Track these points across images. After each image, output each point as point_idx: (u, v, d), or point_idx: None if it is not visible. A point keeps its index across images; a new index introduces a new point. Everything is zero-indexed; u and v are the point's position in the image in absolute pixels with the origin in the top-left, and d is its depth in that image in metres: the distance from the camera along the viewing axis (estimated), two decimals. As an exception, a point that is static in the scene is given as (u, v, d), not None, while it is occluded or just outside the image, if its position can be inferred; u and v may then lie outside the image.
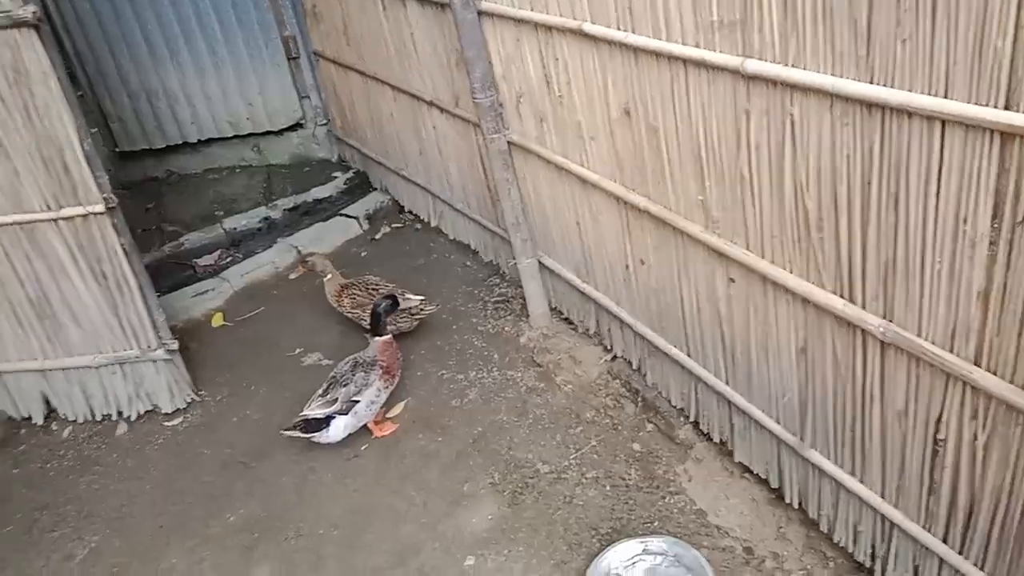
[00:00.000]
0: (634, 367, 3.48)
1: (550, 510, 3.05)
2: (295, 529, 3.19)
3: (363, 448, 3.51)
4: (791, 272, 2.31)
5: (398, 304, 3.76)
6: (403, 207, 5.35)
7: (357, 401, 3.43)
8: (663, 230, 2.83)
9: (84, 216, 3.41)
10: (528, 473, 3.23)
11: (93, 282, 3.56)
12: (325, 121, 6.01)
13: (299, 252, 4.88)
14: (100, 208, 3.40)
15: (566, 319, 3.91)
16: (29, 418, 3.87)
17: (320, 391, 3.49)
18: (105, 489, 3.51)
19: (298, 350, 4.20)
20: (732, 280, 2.58)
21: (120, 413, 3.85)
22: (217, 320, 4.49)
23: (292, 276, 4.51)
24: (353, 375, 3.48)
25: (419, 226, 5.18)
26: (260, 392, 3.95)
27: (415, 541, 3.05)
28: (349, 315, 4.09)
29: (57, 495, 3.51)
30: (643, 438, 3.27)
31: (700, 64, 2.28)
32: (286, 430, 3.42)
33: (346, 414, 3.41)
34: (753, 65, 2.08)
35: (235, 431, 3.73)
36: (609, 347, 3.62)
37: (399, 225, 5.25)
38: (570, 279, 3.66)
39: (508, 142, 3.56)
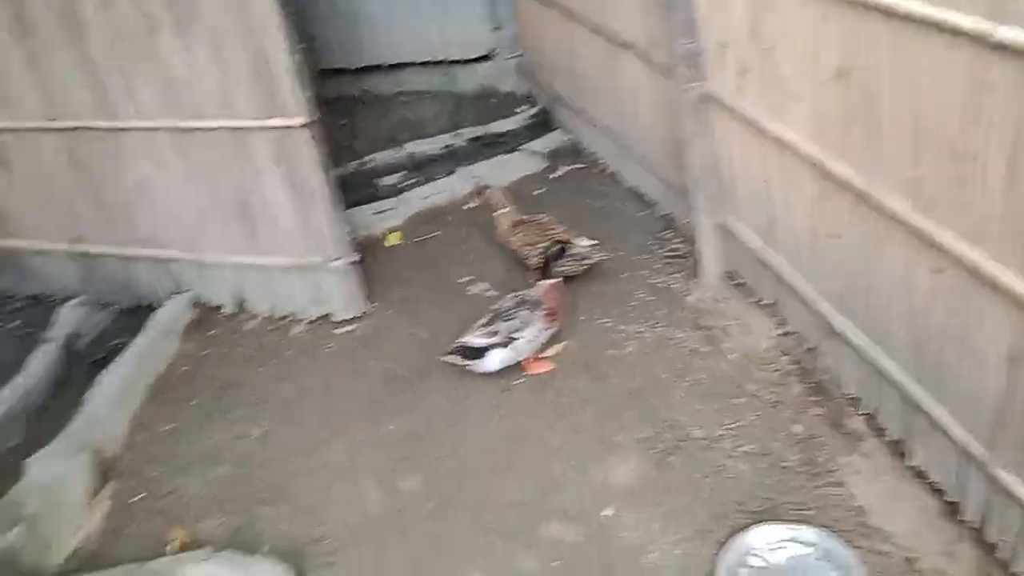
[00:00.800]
0: (808, 346, 3.29)
1: (698, 476, 2.99)
2: (446, 449, 3.31)
3: (517, 382, 3.56)
4: (1013, 270, 2.07)
5: (565, 252, 3.79)
6: (584, 149, 5.29)
7: (517, 337, 3.48)
8: (864, 205, 2.61)
9: (287, 127, 3.60)
10: (680, 435, 3.17)
11: (288, 190, 3.77)
12: (516, 54, 6.00)
13: (478, 183, 4.95)
14: (302, 121, 3.57)
15: (740, 284, 3.75)
16: (221, 307, 4.21)
17: (483, 321, 3.56)
18: (279, 381, 3.79)
19: (466, 278, 4.30)
20: (938, 270, 2.35)
21: (300, 314, 4.11)
22: (393, 239, 4.67)
23: (468, 206, 4.52)
24: (517, 311, 3.53)
25: (598, 170, 5.11)
26: (427, 313, 4.09)
27: (558, 480, 3.09)
28: (517, 251, 4.12)
29: (238, 379, 3.83)
30: (807, 421, 3.11)
31: (938, 26, 2.04)
32: (444, 355, 3.52)
33: (505, 347, 3.47)
34: (1007, 32, 1.84)
35: (400, 346, 3.90)
36: (783, 320, 3.45)
37: (578, 166, 5.21)
38: (750, 243, 3.49)
39: (703, 93, 3.40)
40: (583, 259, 4.00)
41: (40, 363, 3.90)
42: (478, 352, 3.49)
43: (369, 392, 3.66)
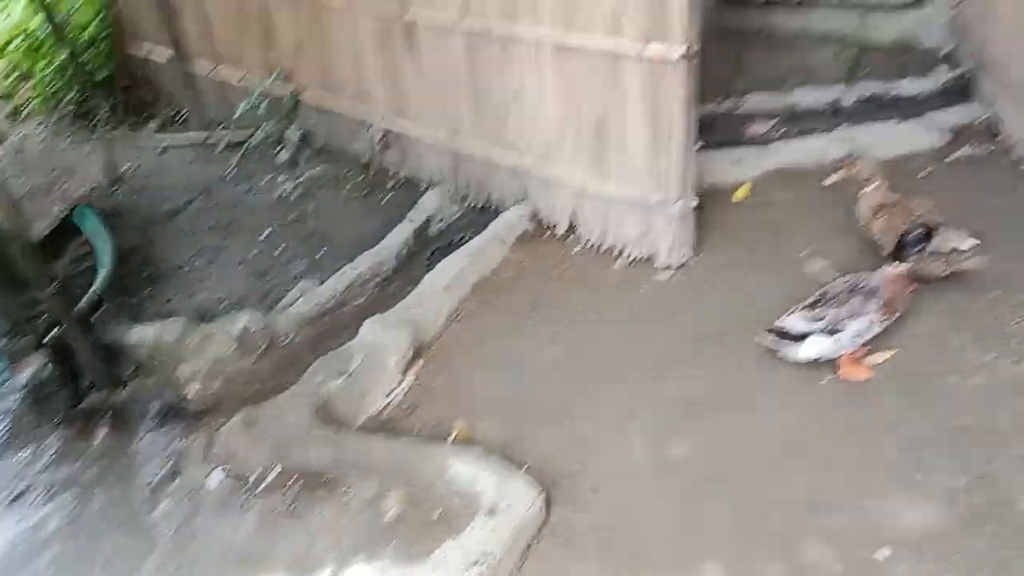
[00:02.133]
0: None
1: (1009, 554, 2.47)
2: (724, 425, 3.13)
3: (824, 381, 3.20)
4: None
5: (931, 237, 3.21)
6: (1000, 131, 4.40)
7: (843, 328, 3.11)
8: None
9: (663, 56, 3.48)
10: (1002, 499, 2.63)
11: (647, 120, 3.69)
12: (956, 2, 5.08)
13: (851, 153, 4.39)
14: (682, 52, 3.42)
15: None
16: (556, 224, 4.35)
17: (808, 302, 3.23)
18: (588, 310, 3.83)
19: (805, 251, 3.91)
20: None
21: (622, 249, 4.09)
22: (741, 192, 4.39)
23: (829, 181, 3.85)
24: (849, 297, 3.14)
25: (1010, 160, 4.24)
26: (749, 279, 3.82)
27: (833, 498, 2.78)
28: (876, 237, 3.61)
29: (551, 298, 3.95)
30: None
31: None
32: (759, 336, 3.27)
33: (828, 336, 3.11)
34: None
35: (713, 308, 3.71)
36: None
37: (984, 152, 4.36)
38: None
39: None
40: (953, 258, 3.38)
41: (397, 238, 4.42)
42: (795, 336, 3.18)
43: (668, 345, 3.57)
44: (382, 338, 3.61)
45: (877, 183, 3.65)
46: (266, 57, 5.48)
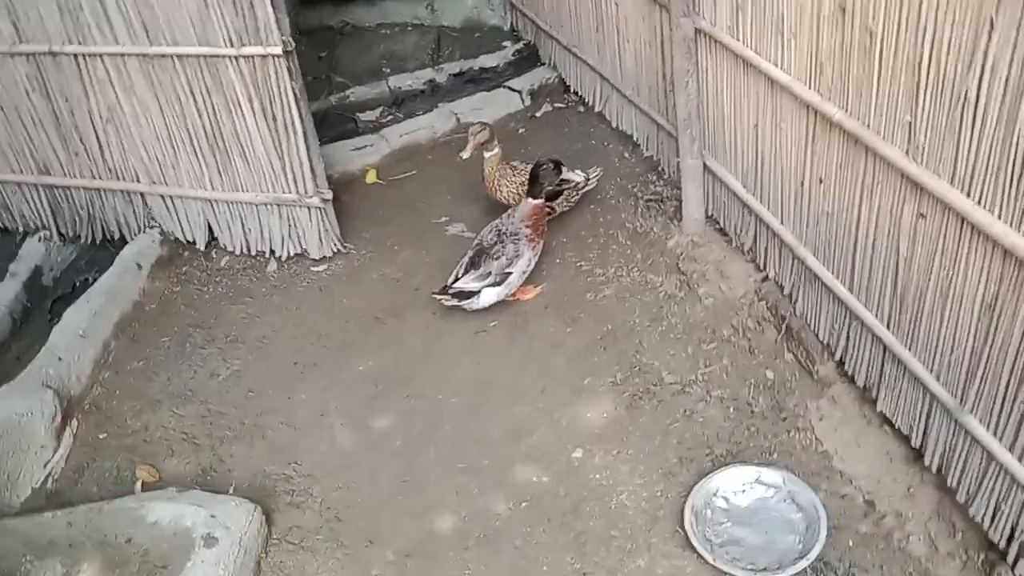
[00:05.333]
0: (785, 292, 3.25)
1: (667, 420, 2.98)
2: (417, 389, 3.28)
3: (492, 325, 3.52)
4: (998, 217, 2.02)
5: (560, 170, 3.67)
6: (568, 86, 5.14)
7: (510, 273, 3.46)
8: (853, 149, 2.54)
9: (263, 56, 3.46)
10: (651, 379, 3.14)
11: (263, 122, 3.65)
12: (501, -15, 5.79)
13: (467, 126, 4.70)
14: (278, 51, 3.43)
15: (720, 229, 3.69)
16: (193, 242, 4.10)
17: (467, 259, 3.52)
18: (251, 319, 3.73)
19: (444, 218, 4.21)
20: (923, 216, 2.30)
21: (272, 252, 4.02)
22: (371, 177, 4.55)
23: (466, 155, 3.86)
24: (504, 247, 3.49)
25: (582, 108, 4.98)
26: (402, 253, 4.01)
27: (529, 422, 3.07)
28: (504, 198, 3.97)
29: (209, 317, 3.76)
30: (779, 367, 3.09)
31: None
32: (437, 294, 3.47)
33: (499, 285, 3.45)
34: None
35: (374, 286, 3.83)
36: (762, 266, 3.40)
37: (561, 105, 5.07)
38: (734, 187, 3.42)
39: (696, 28, 3.27)
40: (579, 190, 3.97)
41: (1, 298, 3.81)
42: (472, 292, 3.45)
43: (342, 331, 3.61)
44: (20, 407, 3.11)
45: (495, 148, 3.95)
46: None
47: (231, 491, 2.93)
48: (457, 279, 3.49)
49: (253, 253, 4.05)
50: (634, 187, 4.19)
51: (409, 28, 6.00)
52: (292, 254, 4.01)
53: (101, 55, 3.66)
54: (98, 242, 4.22)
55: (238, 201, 3.92)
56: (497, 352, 3.40)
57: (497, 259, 3.47)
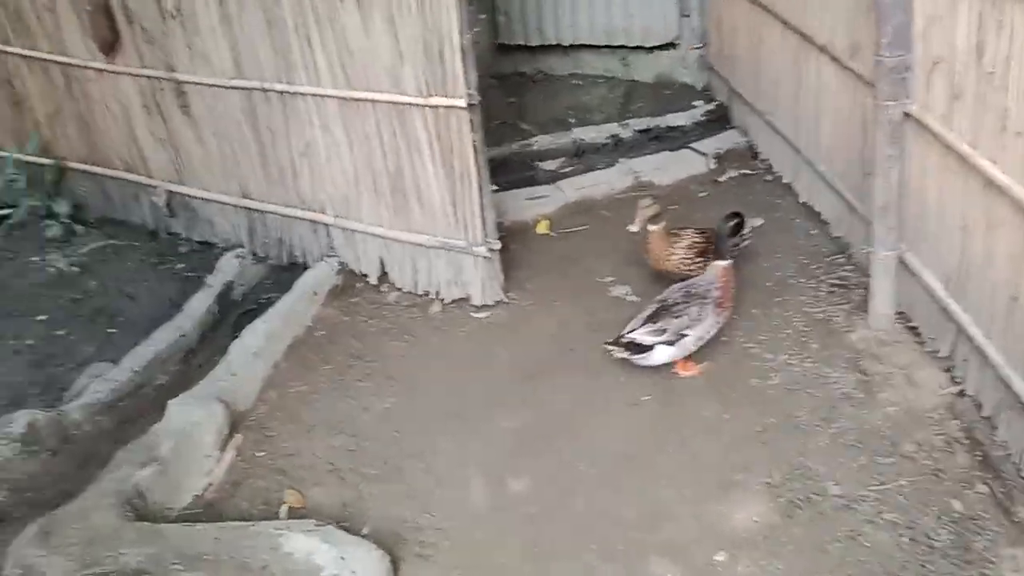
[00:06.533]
0: (984, 413, 2.88)
1: (826, 537, 2.70)
2: (558, 454, 3.19)
3: (644, 398, 3.38)
4: None
5: (743, 224, 3.55)
6: (757, 153, 4.93)
7: (686, 335, 3.33)
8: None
9: (448, 107, 3.57)
10: (813, 487, 2.87)
11: (442, 170, 3.75)
12: (700, 45, 5.68)
13: (645, 185, 4.67)
14: (463, 103, 3.52)
15: (912, 329, 3.35)
16: (366, 276, 4.27)
17: (648, 312, 3.42)
18: (409, 358, 3.79)
19: (609, 278, 4.12)
20: None
21: (437, 293, 4.10)
22: (542, 228, 4.55)
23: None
24: (687, 307, 3.36)
25: (770, 178, 4.75)
26: (562, 309, 3.96)
27: (670, 510, 2.90)
28: (672, 268, 3.78)
29: (371, 350, 3.86)
30: (969, 499, 2.72)
31: None
32: (609, 344, 3.40)
33: (671, 345, 3.33)
34: None
35: (530, 340, 3.80)
36: (959, 379, 3.03)
37: (748, 172, 4.86)
38: (933, 287, 3.09)
39: (904, 113, 3.01)
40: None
41: (197, 307, 4.12)
42: (644, 347, 3.35)
43: (494, 382, 3.60)
44: (194, 416, 3.33)
45: (659, 223, 3.77)
46: (18, 127, 4.96)
47: (365, 531, 2.97)
48: (632, 330, 3.39)
49: (419, 293, 4.14)
50: (818, 269, 3.91)
51: (600, 80, 6.01)
52: (456, 298, 4.06)
53: (304, 94, 3.91)
54: (285, 264, 4.49)
55: (410, 242, 4.03)
56: (646, 428, 3.25)
57: (677, 317, 3.34)
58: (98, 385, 3.64)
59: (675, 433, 3.20)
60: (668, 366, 3.43)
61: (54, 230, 4.78)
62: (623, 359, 3.40)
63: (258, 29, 3.87)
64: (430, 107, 3.62)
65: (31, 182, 4.88)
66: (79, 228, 4.85)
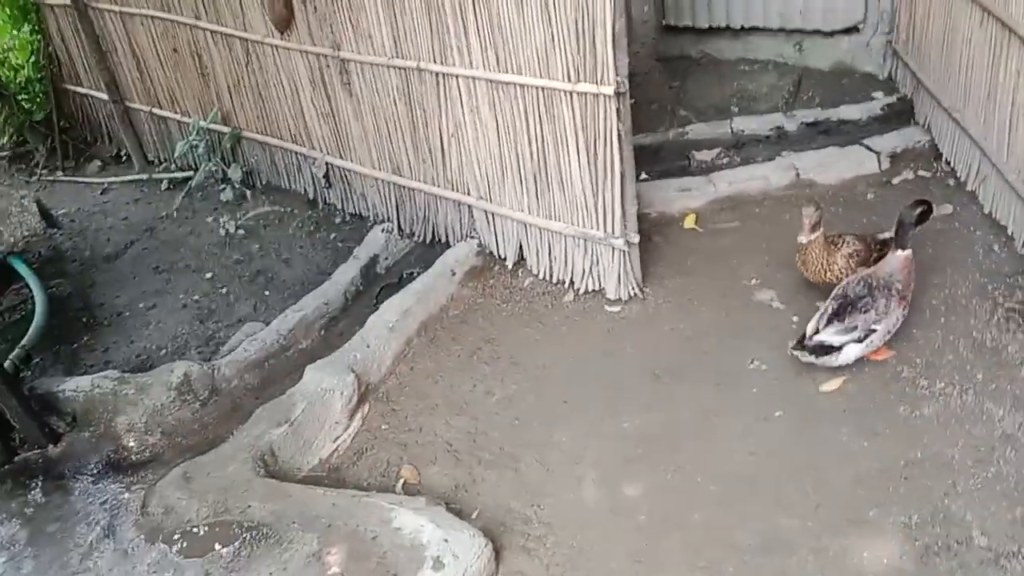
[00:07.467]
0: None
1: (966, 594, 2.44)
2: (678, 463, 3.08)
3: (776, 414, 3.18)
4: None
5: (931, 211, 3.28)
6: (940, 154, 4.46)
7: (875, 330, 3.17)
8: None
9: (595, 95, 3.49)
10: (957, 535, 2.60)
11: (585, 158, 3.67)
12: (888, 30, 5.19)
13: (806, 184, 4.36)
14: (610, 91, 3.43)
15: (1100, 369, 2.93)
16: (504, 259, 4.28)
17: (829, 311, 3.24)
18: (537, 345, 3.78)
19: (754, 280, 3.89)
20: None
21: (572, 283, 4.04)
22: (689, 222, 4.36)
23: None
24: (874, 301, 3.19)
25: (951, 182, 4.29)
26: (700, 310, 3.79)
27: (791, 540, 2.72)
28: (833, 279, 3.49)
29: (501, 333, 3.88)
30: None
31: None
32: (794, 348, 3.26)
33: (862, 342, 3.18)
34: None
35: (662, 340, 3.67)
36: None
37: (926, 174, 4.41)
38: None
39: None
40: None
41: (343, 277, 4.31)
42: (832, 348, 3.19)
43: (620, 379, 3.51)
44: (327, 383, 3.49)
45: (821, 230, 3.48)
46: (203, 96, 5.37)
47: (475, 515, 3.00)
48: (817, 331, 3.21)
49: (554, 280, 4.11)
50: (995, 289, 3.51)
51: (770, 67, 5.64)
52: (590, 289, 3.99)
53: (457, 76, 3.94)
54: (428, 241, 4.59)
55: (549, 228, 4.00)
56: (775, 447, 3.06)
57: (865, 312, 3.17)
58: (248, 344, 3.90)
59: (806, 456, 2.99)
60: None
61: (227, 194, 5.15)
62: (809, 363, 3.24)
63: (419, 10, 3.93)
64: (577, 93, 3.55)
65: (211, 148, 5.27)
66: (248, 193, 5.20)
